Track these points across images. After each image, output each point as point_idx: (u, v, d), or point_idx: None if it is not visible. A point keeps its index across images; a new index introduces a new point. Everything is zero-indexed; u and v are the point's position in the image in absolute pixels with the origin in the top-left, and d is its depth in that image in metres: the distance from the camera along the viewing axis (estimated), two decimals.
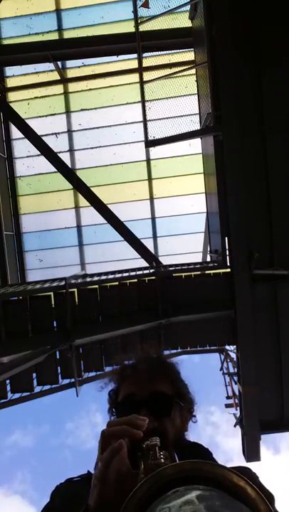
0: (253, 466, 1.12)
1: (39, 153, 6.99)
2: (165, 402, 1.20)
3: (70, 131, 8.02)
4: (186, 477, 0.62)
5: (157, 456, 0.77)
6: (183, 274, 5.63)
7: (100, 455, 0.82)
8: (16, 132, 7.66)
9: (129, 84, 7.69)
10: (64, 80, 7.85)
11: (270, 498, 0.97)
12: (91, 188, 6.83)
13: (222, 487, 0.60)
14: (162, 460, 0.75)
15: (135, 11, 5.61)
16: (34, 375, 5.71)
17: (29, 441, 32.80)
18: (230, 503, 0.56)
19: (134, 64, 7.09)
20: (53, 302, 5.50)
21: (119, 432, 0.83)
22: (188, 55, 6.51)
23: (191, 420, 1.34)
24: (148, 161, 7.90)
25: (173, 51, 6.92)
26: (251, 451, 5.32)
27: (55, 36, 7.47)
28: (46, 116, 7.96)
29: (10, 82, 7.93)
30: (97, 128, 7.94)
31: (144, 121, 5.54)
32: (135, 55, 6.11)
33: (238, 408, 5.73)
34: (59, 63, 7.52)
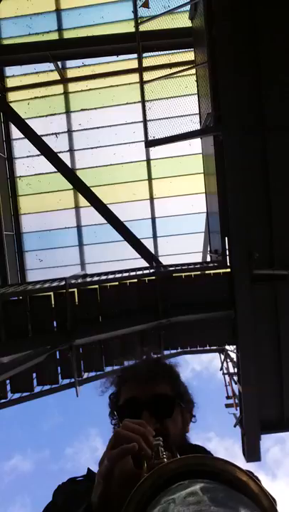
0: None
1: (39, 153, 6.98)
2: (167, 403, 1.21)
3: (70, 131, 8.02)
4: (189, 472, 0.62)
5: (160, 456, 0.77)
6: (183, 274, 5.62)
7: (108, 452, 0.82)
8: (16, 132, 7.65)
9: (129, 84, 7.69)
10: (64, 80, 7.84)
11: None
12: (91, 188, 6.82)
13: (225, 482, 0.60)
14: (165, 460, 0.75)
15: (135, 11, 5.62)
16: (34, 375, 5.70)
17: (29, 466, 32.64)
18: (233, 495, 0.56)
19: (134, 64, 7.09)
20: (53, 302, 5.50)
21: (133, 440, 0.82)
22: (188, 55, 6.51)
23: (191, 421, 1.34)
24: (148, 161, 7.90)
25: (173, 51, 6.92)
26: (251, 452, 5.32)
27: (55, 36, 7.47)
28: (46, 116, 7.95)
29: (10, 82, 7.92)
30: (97, 128, 7.94)
31: (144, 121, 5.54)
32: (135, 55, 6.11)
33: (238, 408, 5.74)
34: (59, 63, 7.51)
